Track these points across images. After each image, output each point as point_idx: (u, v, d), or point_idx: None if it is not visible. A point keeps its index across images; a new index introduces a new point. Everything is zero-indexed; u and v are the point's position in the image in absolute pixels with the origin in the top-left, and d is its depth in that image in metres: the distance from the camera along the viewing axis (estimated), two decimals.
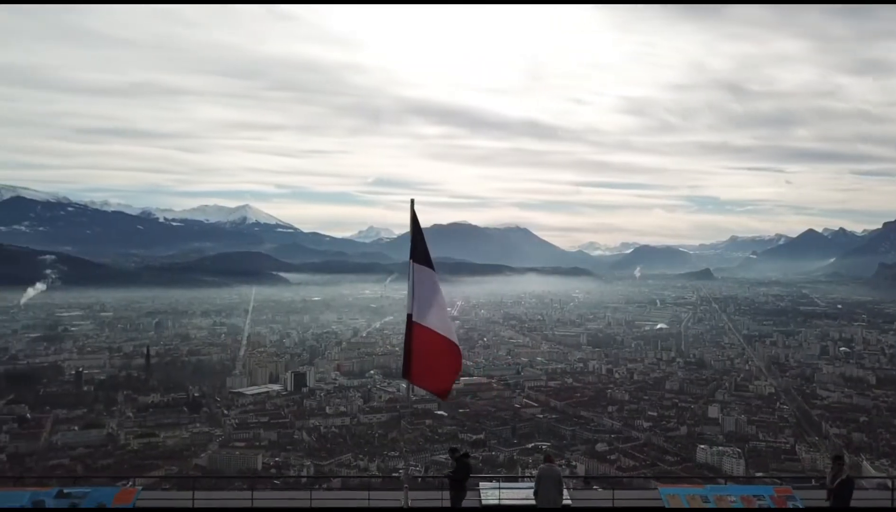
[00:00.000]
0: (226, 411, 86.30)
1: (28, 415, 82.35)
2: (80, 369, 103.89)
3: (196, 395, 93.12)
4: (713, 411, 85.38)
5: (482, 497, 13.93)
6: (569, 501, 13.46)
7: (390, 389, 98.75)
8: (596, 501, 14.58)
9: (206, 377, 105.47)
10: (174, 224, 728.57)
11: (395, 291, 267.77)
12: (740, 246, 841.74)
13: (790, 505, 12.93)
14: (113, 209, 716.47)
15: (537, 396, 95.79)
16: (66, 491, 13.32)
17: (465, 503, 13.45)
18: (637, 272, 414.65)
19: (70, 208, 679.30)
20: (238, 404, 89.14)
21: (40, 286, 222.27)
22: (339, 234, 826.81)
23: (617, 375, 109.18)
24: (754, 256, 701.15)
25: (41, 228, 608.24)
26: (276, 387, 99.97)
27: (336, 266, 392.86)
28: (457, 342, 12.42)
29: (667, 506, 12.97)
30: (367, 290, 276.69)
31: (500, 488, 14.08)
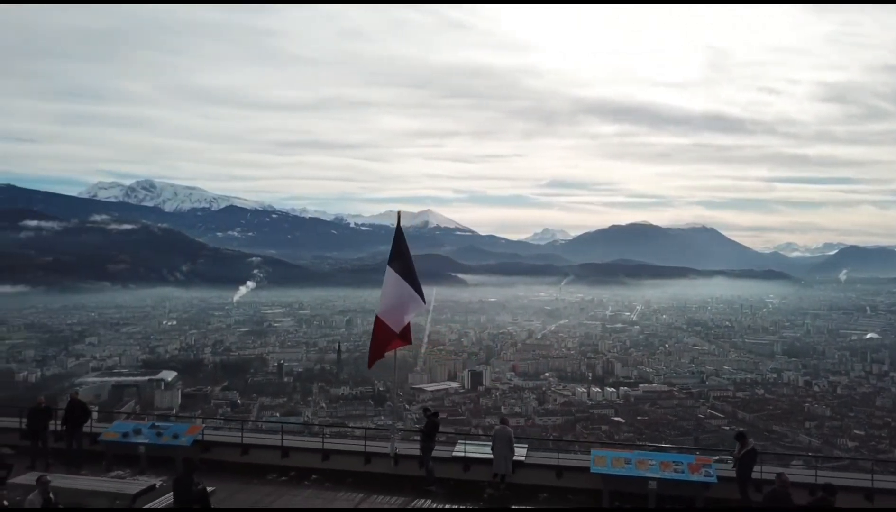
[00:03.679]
0: (407, 406, 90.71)
1: (238, 401, 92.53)
2: (282, 362, 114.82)
3: (381, 389, 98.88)
4: None
5: (454, 450, 17.23)
6: (521, 458, 16.29)
7: (565, 393, 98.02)
8: (543, 459, 16.87)
9: (390, 373, 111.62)
10: (363, 229, 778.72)
11: (570, 294, 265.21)
12: None
13: (703, 472, 14.63)
14: (310, 216, 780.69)
15: (723, 407, 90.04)
16: (157, 424, 18.58)
17: (440, 455, 16.69)
18: (843, 275, 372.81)
19: (274, 215, 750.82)
20: (418, 400, 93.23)
21: (250, 284, 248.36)
22: (514, 237, 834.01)
23: (816, 388, 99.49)
24: None
25: (250, 234, 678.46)
26: (454, 384, 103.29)
27: (511, 268, 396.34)
28: (393, 327, 16.12)
29: (592, 466, 15.18)
30: (542, 292, 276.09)
31: (465, 444, 17.46)
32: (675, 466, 14.93)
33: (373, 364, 16.61)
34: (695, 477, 14.57)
